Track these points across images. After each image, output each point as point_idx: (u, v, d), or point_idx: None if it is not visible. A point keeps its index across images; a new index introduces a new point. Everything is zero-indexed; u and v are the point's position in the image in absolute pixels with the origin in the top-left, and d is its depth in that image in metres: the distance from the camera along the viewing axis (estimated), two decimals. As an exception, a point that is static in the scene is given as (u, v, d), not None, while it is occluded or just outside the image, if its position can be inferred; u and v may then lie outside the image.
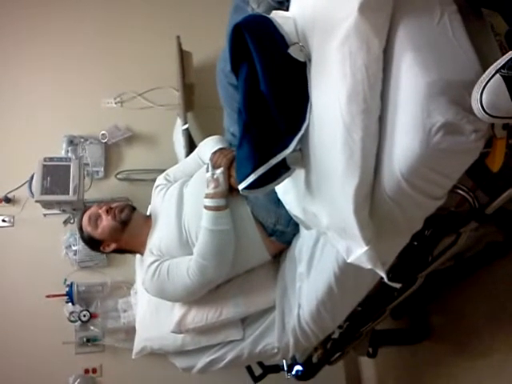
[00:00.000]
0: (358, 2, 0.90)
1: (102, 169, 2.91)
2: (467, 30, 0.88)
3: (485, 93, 0.78)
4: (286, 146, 1.12)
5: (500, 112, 0.78)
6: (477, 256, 1.64)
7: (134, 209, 1.87)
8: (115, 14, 3.19)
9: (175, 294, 1.70)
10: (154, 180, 2.03)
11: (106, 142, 2.91)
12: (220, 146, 1.74)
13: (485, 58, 0.85)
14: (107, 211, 1.80)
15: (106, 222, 1.79)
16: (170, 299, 1.77)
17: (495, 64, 0.79)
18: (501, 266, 1.66)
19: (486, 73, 0.79)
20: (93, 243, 1.87)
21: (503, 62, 0.78)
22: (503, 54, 0.80)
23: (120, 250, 1.89)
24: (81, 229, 1.86)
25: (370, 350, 2.22)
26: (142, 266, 1.81)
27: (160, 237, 1.75)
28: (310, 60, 1.09)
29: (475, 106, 0.80)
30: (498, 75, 0.78)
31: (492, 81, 0.78)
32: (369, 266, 1.06)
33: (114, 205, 1.83)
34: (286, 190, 1.41)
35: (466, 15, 0.90)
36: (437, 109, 0.82)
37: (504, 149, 0.87)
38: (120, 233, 1.80)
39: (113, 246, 1.83)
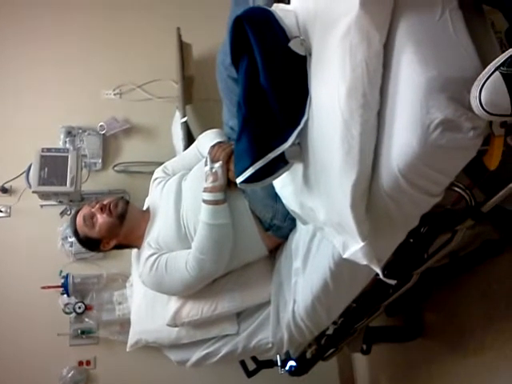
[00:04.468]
0: (359, -3, 0.89)
1: (100, 160, 2.91)
2: (468, 27, 0.88)
3: (484, 90, 0.78)
4: (284, 140, 1.12)
5: (498, 110, 0.78)
6: (472, 254, 1.65)
7: (127, 202, 1.84)
8: (115, 5, 3.18)
9: (173, 287, 1.70)
10: (151, 172, 2.03)
11: (104, 134, 2.91)
12: (219, 140, 1.74)
13: (485, 55, 0.85)
14: (101, 209, 1.76)
15: (101, 219, 1.75)
16: (168, 292, 1.77)
17: (495, 61, 0.79)
18: (496, 265, 1.67)
19: (486, 70, 0.79)
20: (91, 244, 1.83)
21: (503, 60, 0.78)
22: (503, 52, 0.80)
23: (119, 246, 1.86)
24: (76, 232, 1.81)
25: (364, 346, 2.22)
26: (138, 259, 1.80)
27: (158, 230, 1.74)
28: (310, 54, 1.09)
29: (474, 103, 0.80)
30: (497, 73, 0.78)
31: (491, 78, 0.78)
32: (364, 262, 1.06)
33: (105, 201, 1.78)
34: (284, 184, 1.41)
35: (467, 12, 0.90)
36: (436, 105, 0.82)
37: (501, 147, 0.87)
38: (118, 228, 1.77)
39: (112, 242, 1.81)
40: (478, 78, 0.80)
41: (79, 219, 1.79)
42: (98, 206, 1.77)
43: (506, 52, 0.79)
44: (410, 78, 0.86)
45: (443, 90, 0.82)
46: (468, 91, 0.81)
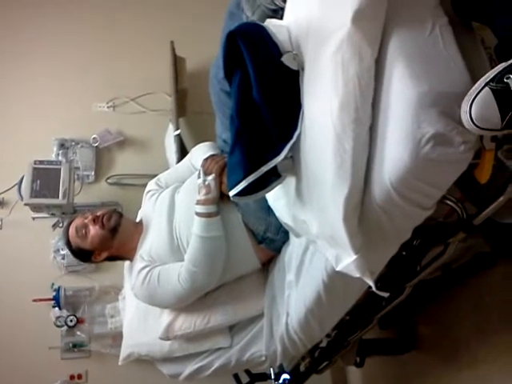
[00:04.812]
0: (351, 12, 0.91)
1: (93, 173, 2.91)
2: (458, 43, 0.89)
3: (474, 105, 0.79)
4: (277, 154, 1.13)
5: (489, 124, 0.79)
6: (464, 267, 1.65)
7: (121, 215, 1.83)
8: (109, 19, 3.20)
9: (165, 300, 1.69)
10: (144, 185, 2.02)
11: (97, 146, 2.91)
12: (212, 153, 1.74)
13: (475, 70, 0.86)
14: (94, 220, 1.75)
15: (94, 231, 1.74)
16: (160, 305, 1.76)
17: (484, 77, 0.80)
18: (488, 277, 1.68)
19: (476, 85, 0.80)
20: (83, 255, 1.82)
21: (492, 75, 0.79)
22: (492, 67, 0.81)
23: (111, 258, 1.85)
24: (68, 242, 1.80)
25: (358, 359, 2.22)
26: (131, 272, 1.79)
27: (151, 242, 1.74)
28: (303, 69, 1.10)
29: (464, 117, 0.81)
30: (487, 88, 0.79)
31: (481, 93, 0.79)
32: (357, 275, 1.07)
33: (99, 213, 1.78)
34: (277, 197, 1.42)
35: (457, 28, 0.92)
36: (427, 120, 0.83)
37: (492, 160, 0.88)
38: (110, 241, 1.76)
39: (104, 254, 1.80)
40: (469, 93, 0.81)
41: (72, 230, 1.78)
42: (90, 217, 1.77)
43: (496, 68, 0.80)
44: (401, 92, 0.87)
45: (434, 105, 0.83)
46: (458, 106, 0.82)
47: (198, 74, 2.83)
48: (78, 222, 1.78)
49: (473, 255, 1.62)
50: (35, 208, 2.58)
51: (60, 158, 2.83)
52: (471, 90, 0.81)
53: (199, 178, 1.63)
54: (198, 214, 1.60)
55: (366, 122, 0.94)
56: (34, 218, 2.73)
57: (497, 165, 0.89)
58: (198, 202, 1.60)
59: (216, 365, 1.77)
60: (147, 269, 1.67)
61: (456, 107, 0.82)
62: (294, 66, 1.10)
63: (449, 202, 1.04)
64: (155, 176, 2.02)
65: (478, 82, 0.80)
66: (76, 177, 2.77)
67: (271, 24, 1.21)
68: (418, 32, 0.91)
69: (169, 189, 1.85)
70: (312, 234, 1.19)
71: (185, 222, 1.67)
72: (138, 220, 1.93)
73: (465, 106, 0.80)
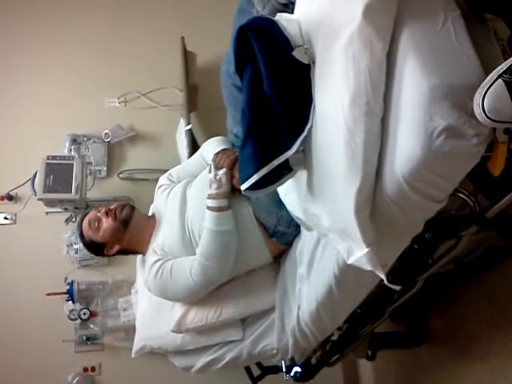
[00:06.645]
0: (362, 6, 0.90)
1: (105, 168, 2.93)
2: (470, 35, 0.88)
3: (487, 97, 0.79)
4: (288, 148, 1.13)
5: (502, 116, 0.79)
6: (477, 260, 1.65)
7: (133, 208, 1.86)
8: (120, 14, 3.21)
9: (177, 293, 1.70)
10: (156, 180, 2.04)
11: (109, 142, 2.93)
12: (223, 147, 1.75)
13: (487, 62, 0.86)
14: (106, 213, 1.78)
15: (106, 223, 1.77)
16: (172, 299, 1.77)
17: (497, 69, 0.80)
18: (501, 270, 1.67)
19: (488, 78, 0.80)
20: (96, 247, 1.85)
21: (505, 67, 0.79)
22: (505, 59, 0.81)
23: (123, 251, 1.87)
24: (82, 235, 1.84)
25: (369, 352, 2.22)
26: (143, 266, 1.81)
27: (163, 237, 1.75)
28: (314, 62, 1.10)
29: (477, 110, 0.80)
30: (499, 80, 0.78)
31: (494, 86, 0.79)
32: (369, 268, 1.07)
33: (112, 206, 1.81)
34: (288, 190, 1.42)
35: (470, 20, 0.91)
36: (439, 112, 0.82)
37: (505, 153, 0.87)
38: (122, 233, 1.79)
39: (116, 247, 1.82)
40: (481, 86, 0.80)
41: (85, 223, 1.82)
42: (103, 210, 1.80)
43: (509, 60, 0.80)
44: (412, 85, 0.87)
45: (446, 98, 0.83)
46: (471, 98, 0.82)
47: (208, 68, 2.83)
48: (91, 215, 1.82)
49: (486, 248, 1.61)
50: (48, 203, 2.61)
51: (72, 153, 2.85)
52: (484, 83, 0.80)
53: (210, 172, 1.64)
54: (209, 208, 1.61)
55: (378, 115, 0.93)
56: (47, 213, 2.76)
57: (510, 157, 0.89)
58: (210, 196, 1.61)
59: (228, 357, 1.78)
60: (160, 262, 1.69)
61: (468, 100, 0.82)
62: (304, 60, 1.10)
63: (461, 195, 1.03)
64: (167, 171, 2.03)
65: (491, 74, 0.80)
66: (88, 172, 2.79)
67: (282, 18, 1.20)
68: (430, 25, 0.90)
69: (180, 183, 1.86)
70: (323, 227, 1.19)
71: (196, 216, 1.68)
72: (150, 214, 1.95)
73: (477, 99, 0.80)
